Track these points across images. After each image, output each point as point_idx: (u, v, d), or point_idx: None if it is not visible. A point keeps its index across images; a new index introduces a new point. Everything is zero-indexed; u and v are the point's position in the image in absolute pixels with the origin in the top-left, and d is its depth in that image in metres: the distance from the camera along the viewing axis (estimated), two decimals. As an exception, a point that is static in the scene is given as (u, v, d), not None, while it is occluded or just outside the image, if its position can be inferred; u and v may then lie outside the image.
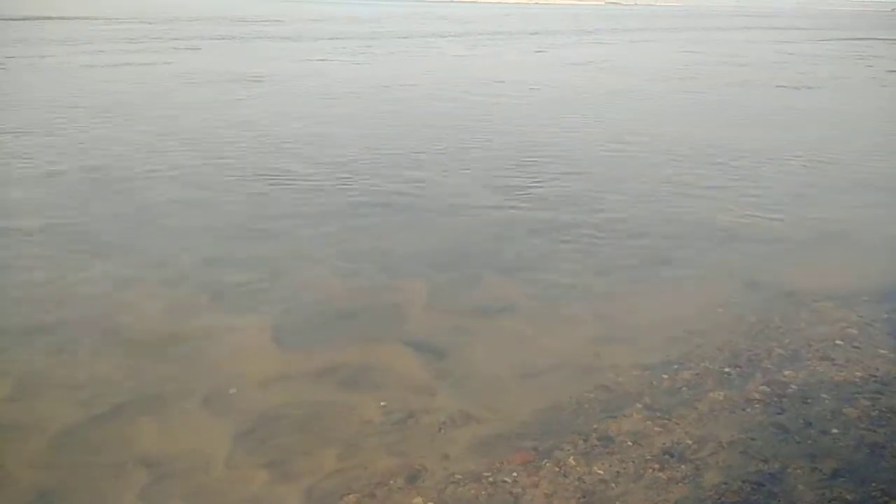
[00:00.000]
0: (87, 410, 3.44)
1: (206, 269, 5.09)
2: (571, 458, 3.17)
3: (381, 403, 3.57)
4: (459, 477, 3.07)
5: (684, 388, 3.71)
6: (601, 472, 3.07)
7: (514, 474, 3.08)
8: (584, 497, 2.92)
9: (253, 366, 3.88)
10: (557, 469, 3.10)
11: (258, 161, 8.08)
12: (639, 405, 3.56)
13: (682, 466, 3.09)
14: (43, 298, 4.58)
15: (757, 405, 3.54)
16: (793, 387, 3.71)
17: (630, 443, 3.26)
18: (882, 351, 4.06)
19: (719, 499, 2.89)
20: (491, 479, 3.06)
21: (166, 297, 4.64)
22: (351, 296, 4.77)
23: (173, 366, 3.86)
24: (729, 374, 3.85)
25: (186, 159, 8.05)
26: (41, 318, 4.31)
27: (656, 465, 3.10)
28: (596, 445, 3.25)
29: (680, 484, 2.98)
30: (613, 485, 3.00)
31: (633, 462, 3.13)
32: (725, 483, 2.98)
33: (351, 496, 2.94)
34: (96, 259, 5.20)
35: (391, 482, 3.04)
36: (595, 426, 3.40)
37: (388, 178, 7.48)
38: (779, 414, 3.47)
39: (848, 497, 2.87)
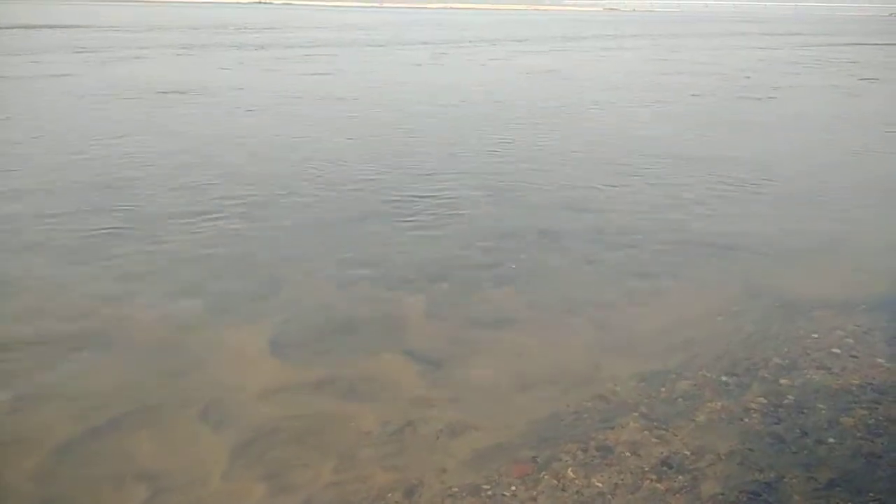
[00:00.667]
0: (86, 423, 3.44)
1: (203, 281, 5.10)
2: (570, 469, 3.18)
3: (379, 415, 3.58)
4: (457, 490, 3.07)
5: (681, 399, 3.71)
6: (600, 484, 3.07)
7: (513, 487, 3.08)
8: (582, 509, 2.93)
9: (251, 377, 3.88)
10: (556, 482, 3.10)
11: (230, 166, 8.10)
12: (636, 415, 3.56)
13: (680, 477, 3.10)
14: (40, 310, 4.59)
15: (754, 415, 3.55)
16: (790, 396, 3.71)
17: (628, 454, 3.27)
18: (879, 360, 4.07)
19: (717, 510, 2.89)
20: (490, 492, 3.06)
21: (164, 308, 4.65)
22: (349, 306, 4.78)
23: (171, 377, 3.86)
24: (727, 383, 3.86)
25: (177, 168, 8.07)
26: (39, 330, 4.31)
27: (654, 476, 3.10)
28: (594, 456, 3.26)
29: (677, 495, 2.99)
30: (611, 497, 3.00)
31: (632, 473, 3.14)
32: (723, 494, 2.98)
33: (349, 509, 2.95)
34: (92, 269, 5.22)
35: (389, 496, 3.04)
36: (593, 437, 3.40)
37: (380, 189, 7.50)
38: (776, 424, 3.47)
39: (845, 507, 2.88)
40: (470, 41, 31.89)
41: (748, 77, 19.32)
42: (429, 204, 6.93)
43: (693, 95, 15.51)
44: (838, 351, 4.20)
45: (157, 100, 13.49)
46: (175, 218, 6.37)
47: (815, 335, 4.41)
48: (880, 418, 3.48)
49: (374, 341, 4.34)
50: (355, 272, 5.31)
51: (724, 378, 3.91)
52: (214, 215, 6.46)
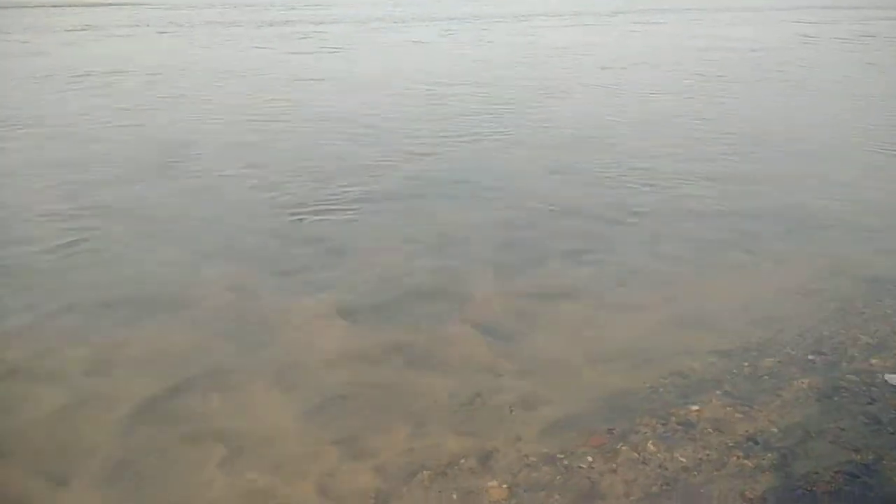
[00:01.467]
0: (162, 383, 3.49)
1: (271, 249, 5.13)
2: (650, 443, 3.07)
3: (449, 384, 3.53)
4: (533, 459, 3.01)
5: (766, 376, 3.55)
6: (683, 458, 2.96)
7: (590, 458, 3.00)
8: (666, 484, 2.82)
9: (319, 343, 3.88)
10: (636, 454, 3.00)
11: (303, 142, 8.12)
12: (718, 392, 3.42)
13: (769, 455, 2.96)
14: (116, 275, 4.69)
15: (845, 394, 3.37)
16: (882, 376, 3.51)
17: (711, 429, 3.14)
18: (979, 340, 3.82)
19: (810, 489, 2.75)
20: (566, 463, 2.98)
21: (234, 274, 4.69)
22: (414, 276, 4.73)
23: (243, 341, 3.89)
24: (813, 361, 3.67)
25: (235, 136, 8.15)
26: (115, 294, 4.41)
27: (740, 453, 2.97)
28: (676, 430, 3.14)
29: (767, 473, 2.85)
30: (696, 472, 2.88)
31: (716, 449, 3.01)
32: (816, 473, 2.83)
33: (424, 474, 2.91)
34: (166, 238, 5.31)
35: (462, 462, 3.00)
36: (673, 412, 3.28)
37: (442, 159, 7.41)
38: (869, 404, 3.29)
39: (954, 492, 2.70)
40: (503, 16, 30.22)
41: (776, 55, 17.67)
42: (486, 178, 6.83)
43: (689, 74, 14.83)
44: (932, 330, 3.95)
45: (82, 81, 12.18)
46: (234, 186, 6.43)
47: (906, 314, 4.17)
48: (985, 400, 3.26)
49: (441, 311, 4.29)
50: (420, 243, 5.26)
51: (809, 356, 3.72)
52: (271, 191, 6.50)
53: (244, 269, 4.80)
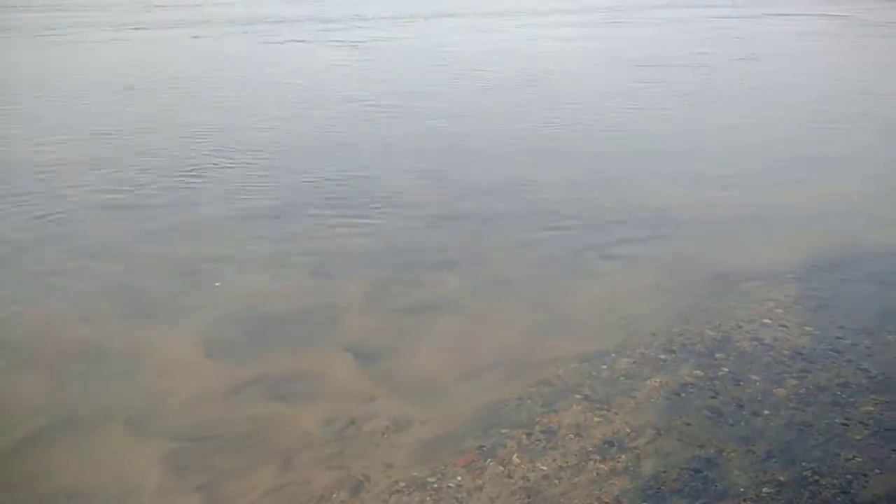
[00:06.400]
0: (2, 439, 3.20)
1: (125, 279, 4.84)
2: (515, 455, 3.16)
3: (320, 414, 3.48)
4: (403, 485, 3.02)
5: (622, 377, 3.75)
6: (544, 468, 3.07)
7: (458, 478, 3.05)
8: (528, 497, 2.91)
9: (180, 381, 3.71)
10: (502, 468, 3.08)
11: (172, 155, 7.74)
12: (578, 397, 3.58)
13: (623, 456, 3.13)
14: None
15: (692, 389, 3.62)
16: (724, 369, 3.81)
17: (572, 435, 3.28)
18: (808, 328, 4.21)
19: (659, 488, 2.93)
20: (436, 485, 3.02)
21: (84, 310, 4.38)
22: (282, 301, 4.62)
23: (94, 385, 3.65)
24: (664, 359, 3.92)
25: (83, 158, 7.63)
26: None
27: (598, 457, 3.12)
28: (539, 440, 3.25)
29: (621, 475, 3.01)
30: (557, 481, 3.00)
31: (576, 455, 3.15)
32: (664, 471, 3.02)
33: (291, 515, 2.85)
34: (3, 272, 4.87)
35: (334, 496, 2.97)
36: (538, 420, 3.41)
37: (309, 174, 7.28)
38: (712, 398, 3.55)
39: (781, 478, 2.96)
40: (482, 13, 25.52)
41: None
42: (349, 189, 6.78)
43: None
44: (769, 321, 4.32)
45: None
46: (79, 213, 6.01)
47: (747, 306, 4.53)
48: (810, 387, 3.60)
49: (310, 336, 4.22)
50: (286, 264, 5.13)
51: (661, 355, 3.97)
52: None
53: (94, 302, 4.49)
